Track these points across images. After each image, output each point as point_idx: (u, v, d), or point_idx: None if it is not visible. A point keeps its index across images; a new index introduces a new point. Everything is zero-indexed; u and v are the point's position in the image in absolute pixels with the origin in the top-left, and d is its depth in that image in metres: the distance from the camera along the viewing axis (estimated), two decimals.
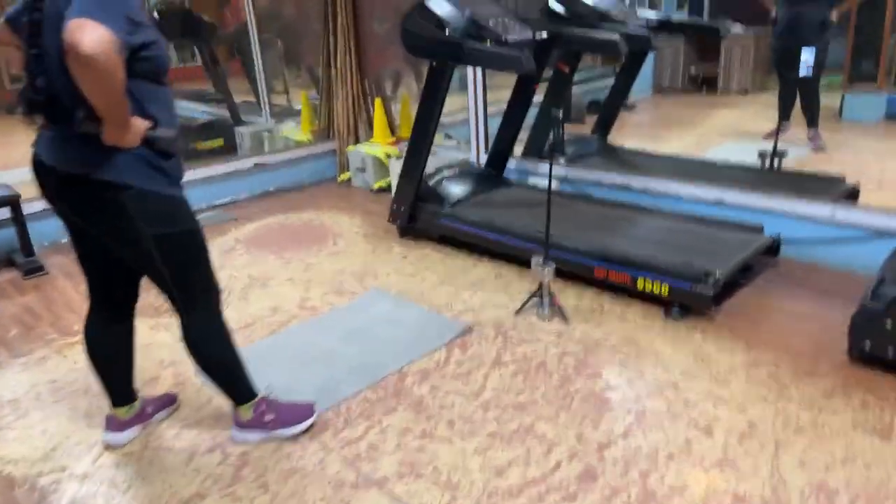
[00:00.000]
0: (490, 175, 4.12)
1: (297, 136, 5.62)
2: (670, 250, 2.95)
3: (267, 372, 2.47)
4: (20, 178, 5.24)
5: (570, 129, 5.49)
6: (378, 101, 5.02)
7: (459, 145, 4.97)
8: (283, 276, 3.46)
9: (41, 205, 4.12)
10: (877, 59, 5.64)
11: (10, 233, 3.69)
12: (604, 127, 4.65)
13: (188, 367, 2.33)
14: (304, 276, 3.43)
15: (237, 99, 6.73)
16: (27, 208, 3.88)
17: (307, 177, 5.24)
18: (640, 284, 2.86)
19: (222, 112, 6.70)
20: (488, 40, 3.18)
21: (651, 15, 4.01)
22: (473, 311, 2.96)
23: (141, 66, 1.59)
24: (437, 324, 2.83)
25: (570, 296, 3.04)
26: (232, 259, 3.72)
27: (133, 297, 2.03)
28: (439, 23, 3.28)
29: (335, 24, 5.04)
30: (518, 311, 2.90)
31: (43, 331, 2.96)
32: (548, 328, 2.76)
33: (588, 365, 2.47)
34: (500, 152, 4.14)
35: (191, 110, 7.23)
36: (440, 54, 3.22)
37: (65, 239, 4.10)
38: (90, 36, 1.36)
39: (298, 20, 6.05)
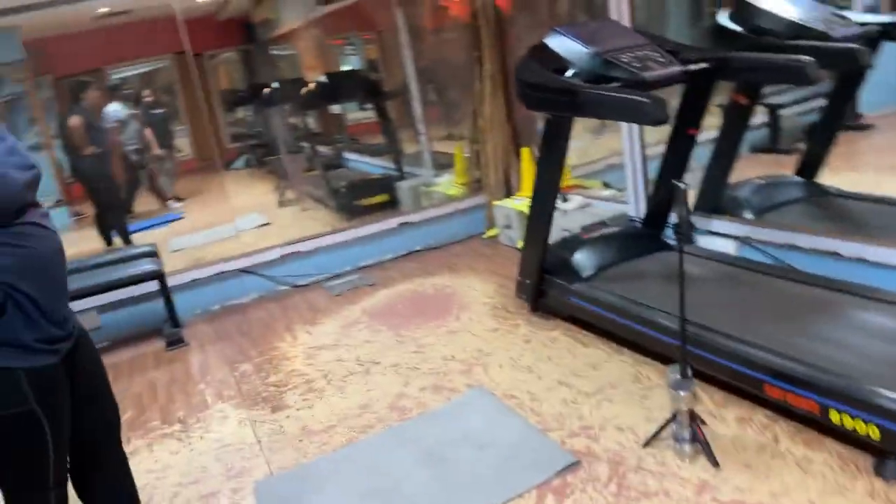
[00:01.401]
0: (646, 236, 3.35)
1: (449, 191, 5.33)
2: (890, 368, 1.97)
3: None
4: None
5: (771, 166, 4.42)
6: (525, 151, 4.52)
7: (618, 195, 4.23)
8: (391, 360, 3.10)
9: (191, 275, 4.44)
10: None
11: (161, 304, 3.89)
12: (810, 165, 3.57)
13: None
14: (410, 362, 3.04)
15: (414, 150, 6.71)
16: (176, 279, 4.12)
17: (455, 234, 4.90)
18: (834, 418, 1.93)
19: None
20: (618, 81, 2.53)
21: (868, 18, 2.94)
22: (591, 431, 2.28)
23: None
24: (536, 450, 2.21)
25: (728, 419, 2.20)
26: (350, 335, 3.48)
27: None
28: (561, 65, 2.71)
29: (482, 71, 4.68)
30: (648, 442, 2.15)
31: (150, 416, 2.96)
32: (686, 473, 1.98)
33: None
34: (658, 207, 3.35)
35: (368, 165, 7.44)
36: (551, 104, 2.63)
37: (216, 307, 4.35)
38: None
39: (454, 69, 5.82)
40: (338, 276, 4.49)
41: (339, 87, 6.49)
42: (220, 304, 4.30)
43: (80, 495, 1.74)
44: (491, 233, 4.78)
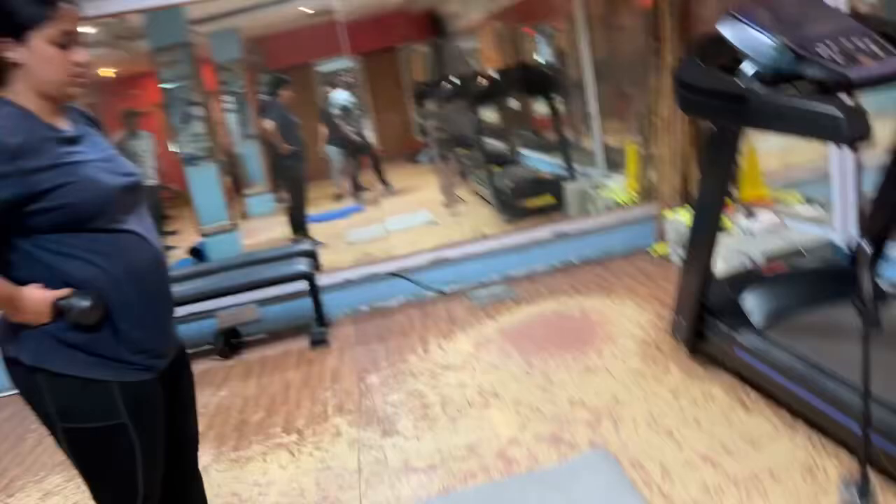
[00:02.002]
0: (849, 276, 2.61)
1: (618, 197, 4.81)
2: None
3: None
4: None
5: None
6: None
7: (822, 216, 3.40)
8: (514, 394, 2.81)
9: (344, 275, 4.52)
10: None
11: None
12: None
13: None
14: (533, 401, 2.71)
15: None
16: (331, 278, 4.24)
17: (619, 247, 4.39)
18: None
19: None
20: (813, 82, 1.94)
21: None
22: None
23: (42, 219, 1.28)
24: None
25: None
26: (477, 358, 3.25)
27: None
28: (735, 59, 2.16)
29: (660, 64, 4.09)
30: None
31: (275, 420, 3.02)
32: None
33: None
34: (874, 237, 2.59)
35: (543, 163, 7.09)
36: (714, 111, 2.10)
37: (364, 307, 4.38)
38: None
39: (630, 61, 5.22)
40: (484, 285, 4.27)
41: (508, 82, 6.24)
42: (369, 305, 4.34)
43: None
44: (659, 249, 4.19)
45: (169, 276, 1.55)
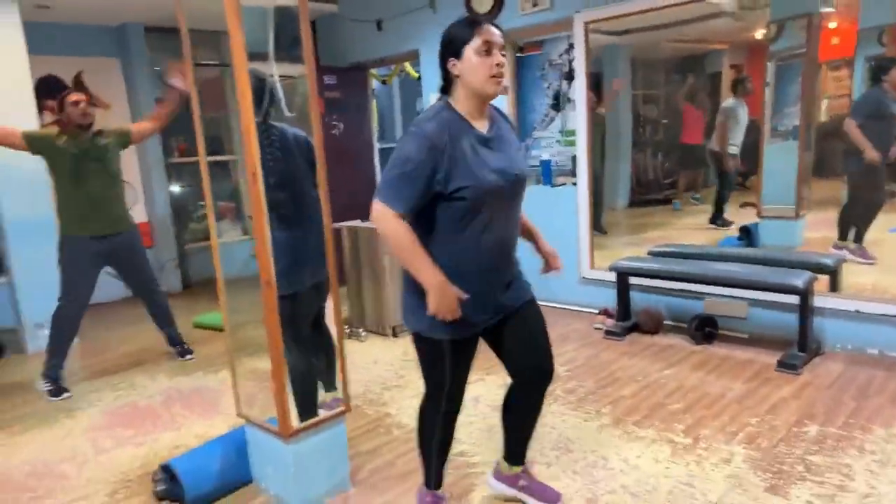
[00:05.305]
0: None
1: None
2: None
3: None
4: None
5: None
6: None
7: None
8: None
9: (856, 304, 3.60)
10: None
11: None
12: None
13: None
14: None
15: None
16: (837, 303, 3.63)
17: None
18: None
19: None
20: None
21: None
22: None
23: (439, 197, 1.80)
24: None
25: None
26: None
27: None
28: None
29: None
30: None
31: (685, 418, 3.01)
32: None
33: None
34: None
35: None
36: None
37: (873, 350, 3.49)
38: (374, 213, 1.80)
39: None
40: None
41: None
42: (880, 351, 3.53)
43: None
44: None
45: (507, 258, 1.95)
